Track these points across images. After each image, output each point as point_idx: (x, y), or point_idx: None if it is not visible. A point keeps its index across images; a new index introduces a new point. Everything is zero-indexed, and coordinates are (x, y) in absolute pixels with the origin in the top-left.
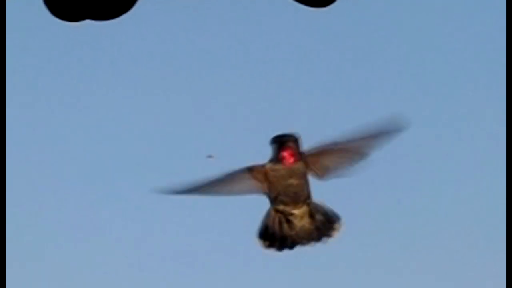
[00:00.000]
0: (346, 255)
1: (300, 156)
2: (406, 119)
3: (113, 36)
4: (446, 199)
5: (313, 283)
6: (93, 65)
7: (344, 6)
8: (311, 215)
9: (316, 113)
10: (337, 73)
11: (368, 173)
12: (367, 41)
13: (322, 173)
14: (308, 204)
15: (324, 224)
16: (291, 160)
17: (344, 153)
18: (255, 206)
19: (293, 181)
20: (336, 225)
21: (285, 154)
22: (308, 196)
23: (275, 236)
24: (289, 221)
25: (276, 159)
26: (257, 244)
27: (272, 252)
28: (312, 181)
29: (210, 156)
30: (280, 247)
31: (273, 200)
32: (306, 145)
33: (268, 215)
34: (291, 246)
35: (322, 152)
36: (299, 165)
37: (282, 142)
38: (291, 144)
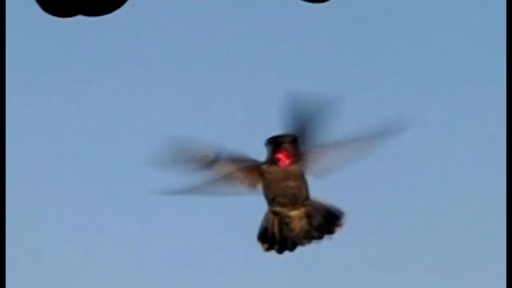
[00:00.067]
0: (346, 255)
1: (297, 157)
2: (406, 118)
3: (105, 32)
4: (445, 199)
5: (313, 283)
6: (85, 61)
7: (342, 2)
8: (310, 216)
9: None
10: (336, 72)
11: (368, 173)
12: (365, 39)
13: (320, 172)
14: (306, 205)
15: (326, 222)
16: (287, 162)
17: (343, 152)
18: (255, 206)
19: (290, 183)
20: (340, 221)
21: (281, 156)
22: (307, 197)
23: (274, 238)
24: (287, 223)
25: (272, 160)
26: (257, 246)
27: (272, 255)
28: (313, 179)
29: (205, 156)
30: (280, 250)
31: (271, 202)
32: (304, 144)
33: (266, 217)
34: (291, 248)
35: (321, 151)
36: (296, 167)
37: (278, 143)
38: (287, 145)
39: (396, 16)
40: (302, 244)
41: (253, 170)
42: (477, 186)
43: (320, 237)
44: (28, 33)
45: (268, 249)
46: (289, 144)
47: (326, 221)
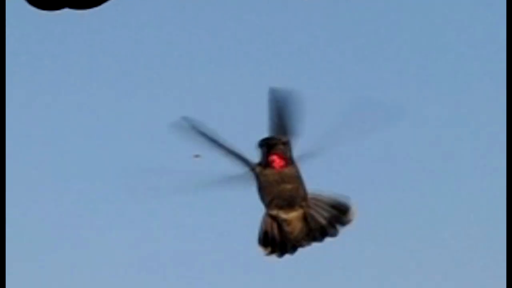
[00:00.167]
0: (345, 255)
1: (291, 159)
2: (400, 109)
3: (92, 25)
4: (445, 199)
5: (313, 283)
6: (72, 54)
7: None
8: (308, 217)
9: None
10: (336, 72)
11: (367, 173)
12: (364, 37)
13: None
14: (304, 206)
15: (334, 214)
16: (281, 164)
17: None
18: (253, 206)
19: (286, 185)
20: (348, 214)
21: (275, 158)
22: (304, 198)
23: (275, 241)
24: (286, 225)
25: (266, 163)
26: (259, 250)
27: (273, 258)
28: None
29: (197, 156)
30: (280, 253)
31: (268, 205)
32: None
33: (264, 220)
34: (292, 251)
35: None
36: (291, 169)
37: (271, 145)
38: (280, 147)
39: (396, 15)
40: (302, 245)
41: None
42: (477, 186)
43: (321, 237)
44: (14, 27)
45: (271, 253)
46: (283, 146)
47: (334, 214)
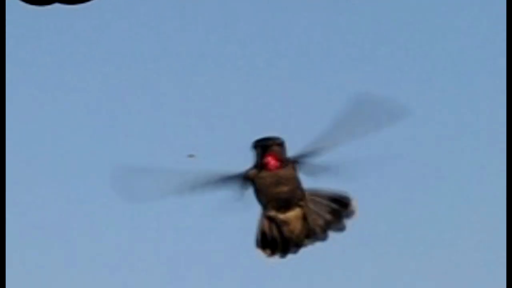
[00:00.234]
0: (346, 255)
1: (285, 159)
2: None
3: (83, 20)
4: (446, 198)
5: (313, 282)
6: (62, 50)
7: None
8: (308, 215)
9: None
10: (335, 71)
11: (368, 174)
12: (364, 37)
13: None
14: (302, 206)
15: (335, 210)
16: (277, 165)
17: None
18: (251, 207)
19: (283, 187)
20: (350, 206)
21: (270, 159)
22: (302, 198)
23: (275, 242)
24: (286, 226)
25: (261, 165)
26: (258, 254)
27: (274, 260)
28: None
29: (191, 156)
30: (283, 253)
31: (265, 207)
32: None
33: (262, 222)
34: (296, 250)
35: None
36: (286, 170)
37: (265, 146)
38: (275, 148)
39: (395, 13)
40: (305, 244)
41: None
42: (477, 186)
43: (323, 234)
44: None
45: (271, 254)
46: (277, 147)
47: (335, 207)
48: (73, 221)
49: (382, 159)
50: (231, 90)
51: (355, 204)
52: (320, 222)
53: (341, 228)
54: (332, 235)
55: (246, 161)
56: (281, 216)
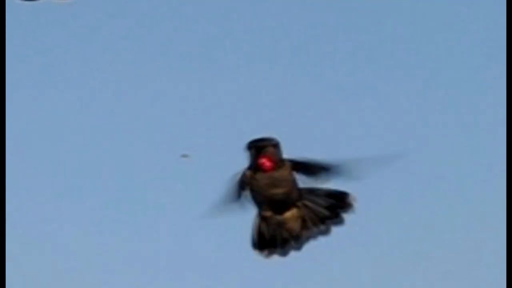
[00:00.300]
0: (345, 256)
1: (281, 161)
2: (399, 154)
3: (73, 14)
4: (446, 199)
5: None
6: (52, 45)
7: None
8: (305, 213)
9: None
10: (334, 71)
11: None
12: (363, 38)
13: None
14: (299, 206)
15: (332, 205)
16: (271, 166)
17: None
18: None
19: (278, 189)
20: (347, 200)
21: (264, 161)
22: (298, 198)
23: (275, 241)
24: (284, 225)
25: (256, 166)
26: (256, 255)
27: (274, 260)
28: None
29: (185, 155)
30: (283, 251)
31: (260, 209)
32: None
33: (258, 223)
34: (297, 246)
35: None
36: (282, 171)
37: (260, 147)
38: (270, 149)
39: (395, 14)
40: (302, 242)
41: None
42: (477, 186)
43: (321, 230)
44: None
45: (269, 255)
46: (272, 148)
47: (332, 202)
48: (73, 221)
49: (382, 159)
50: (226, 90)
51: (353, 198)
52: (317, 218)
53: (340, 222)
54: (331, 233)
55: (242, 161)
56: (278, 217)
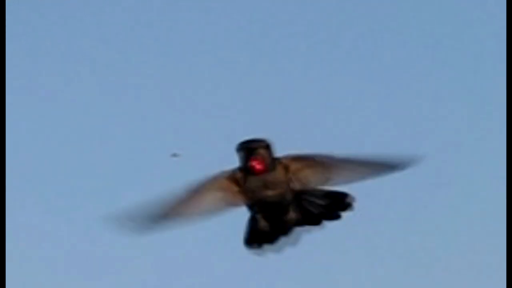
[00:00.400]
0: (346, 256)
1: (273, 163)
2: (412, 157)
3: (64, 10)
4: (446, 198)
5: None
6: (44, 40)
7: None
8: (302, 210)
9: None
10: (333, 71)
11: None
12: (363, 39)
13: (299, 183)
14: (293, 209)
15: (330, 204)
16: (263, 168)
17: (328, 167)
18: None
19: (269, 192)
20: (346, 199)
21: (256, 163)
22: (292, 199)
23: (265, 236)
24: (280, 220)
25: (247, 168)
26: (251, 251)
27: (268, 256)
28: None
29: (175, 155)
30: (272, 242)
31: (255, 211)
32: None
33: (253, 221)
34: (288, 232)
35: (304, 160)
36: (274, 174)
37: (251, 149)
38: (261, 151)
39: (395, 15)
40: (300, 225)
41: (228, 181)
42: (477, 185)
43: (323, 216)
44: None
45: (260, 248)
46: (263, 150)
47: (329, 202)
48: (73, 221)
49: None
50: (226, 90)
51: (353, 197)
52: (314, 211)
53: (335, 218)
54: (331, 233)
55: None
56: (275, 217)
